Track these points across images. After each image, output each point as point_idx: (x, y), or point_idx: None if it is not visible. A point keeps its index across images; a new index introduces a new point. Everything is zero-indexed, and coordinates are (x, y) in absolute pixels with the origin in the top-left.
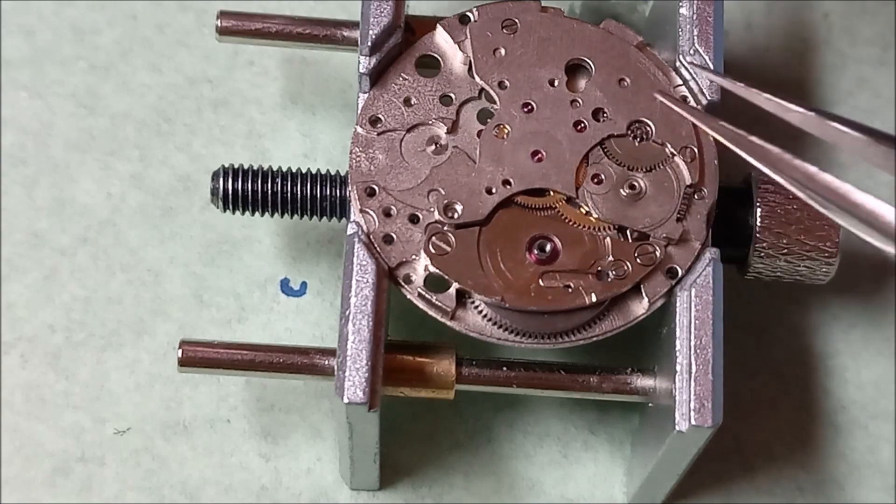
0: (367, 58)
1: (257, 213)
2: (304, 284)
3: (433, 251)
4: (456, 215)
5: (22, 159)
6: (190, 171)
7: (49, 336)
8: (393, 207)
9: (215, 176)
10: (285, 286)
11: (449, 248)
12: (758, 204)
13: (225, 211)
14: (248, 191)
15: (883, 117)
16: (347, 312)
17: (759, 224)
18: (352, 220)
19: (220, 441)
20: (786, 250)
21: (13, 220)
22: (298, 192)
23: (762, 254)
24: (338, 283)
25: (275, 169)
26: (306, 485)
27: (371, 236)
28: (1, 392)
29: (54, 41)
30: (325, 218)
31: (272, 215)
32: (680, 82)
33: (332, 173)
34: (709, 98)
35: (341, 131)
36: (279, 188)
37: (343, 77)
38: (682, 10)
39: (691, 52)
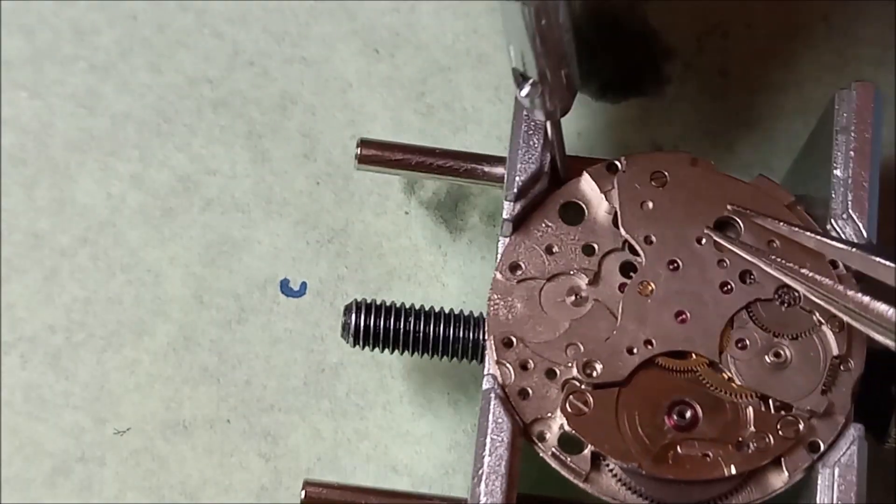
0: (512, 203)
1: (387, 351)
2: (303, 284)
3: (570, 411)
4: (595, 374)
5: (22, 159)
6: (190, 172)
7: (49, 336)
8: (530, 361)
9: (347, 310)
10: (285, 286)
11: (586, 409)
12: None
13: (355, 346)
14: (380, 327)
15: (883, 117)
16: (481, 472)
17: None
18: (488, 372)
19: (220, 441)
20: None
21: (13, 220)
22: (431, 332)
23: None
24: (337, 283)
25: (407, 306)
26: None
27: (507, 390)
28: (1, 392)
29: (54, 41)
30: (455, 359)
31: (402, 353)
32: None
33: (466, 314)
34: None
35: (341, 131)
36: (412, 327)
37: (343, 77)
38: (837, 172)
39: (843, 216)
